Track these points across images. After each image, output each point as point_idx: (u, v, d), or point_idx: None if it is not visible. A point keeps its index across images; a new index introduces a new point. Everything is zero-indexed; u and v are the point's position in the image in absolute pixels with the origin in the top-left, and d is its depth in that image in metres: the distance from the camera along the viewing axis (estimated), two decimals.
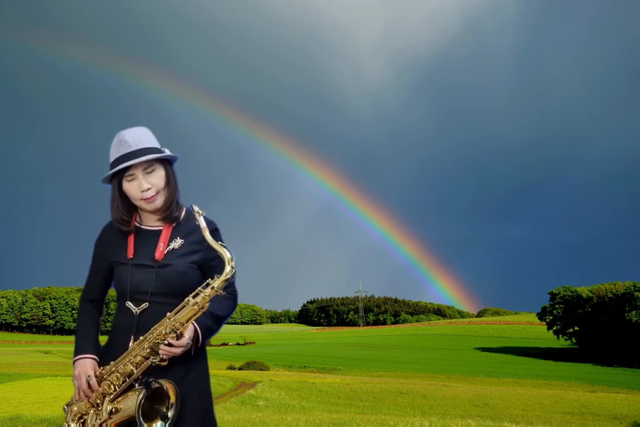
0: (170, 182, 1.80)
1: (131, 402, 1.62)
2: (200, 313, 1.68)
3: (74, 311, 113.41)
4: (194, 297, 1.67)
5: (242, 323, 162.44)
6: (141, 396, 1.60)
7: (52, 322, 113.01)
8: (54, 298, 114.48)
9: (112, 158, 1.76)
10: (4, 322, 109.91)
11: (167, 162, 1.81)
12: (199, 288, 1.69)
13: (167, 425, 1.64)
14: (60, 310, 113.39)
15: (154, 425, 1.63)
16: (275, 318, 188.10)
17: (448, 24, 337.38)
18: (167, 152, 1.79)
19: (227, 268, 1.69)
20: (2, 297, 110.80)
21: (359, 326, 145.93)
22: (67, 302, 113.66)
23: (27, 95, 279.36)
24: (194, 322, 1.69)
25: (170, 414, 1.64)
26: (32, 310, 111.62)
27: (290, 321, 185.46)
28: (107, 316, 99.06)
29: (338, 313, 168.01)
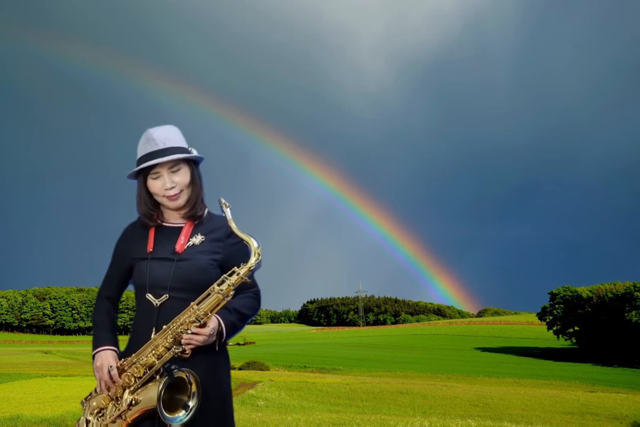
0: (195, 181, 1.83)
1: (151, 394, 1.60)
2: (224, 302, 1.68)
3: (73, 311, 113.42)
4: (219, 284, 1.68)
5: None
6: (162, 384, 1.58)
7: (52, 322, 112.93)
8: (54, 298, 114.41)
9: (139, 155, 1.79)
10: (4, 322, 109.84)
11: (192, 162, 1.84)
12: (224, 275, 1.70)
13: (189, 415, 1.62)
14: (60, 310, 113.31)
15: (175, 415, 1.61)
16: (275, 318, 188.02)
17: (448, 24, 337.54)
18: (194, 152, 1.82)
19: (253, 257, 1.72)
20: (2, 297, 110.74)
21: (359, 326, 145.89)
22: (67, 302, 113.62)
23: (27, 95, 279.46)
24: (217, 316, 1.70)
25: (191, 403, 1.62)
26: (32, 310, 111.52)
27: (290, 321, 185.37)
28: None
29: (338, 313, 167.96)
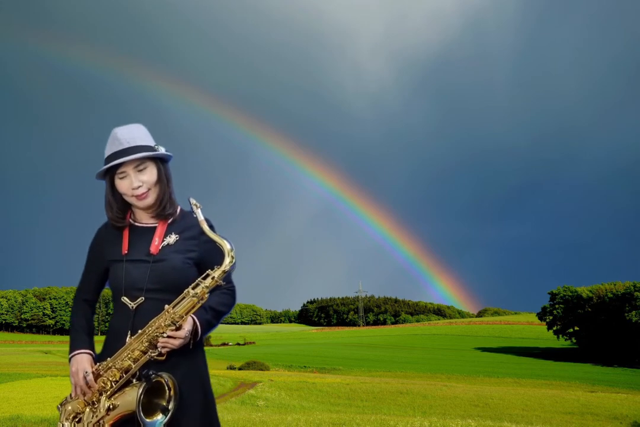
0: (162, 179, 1.80)
1: (129, 398, 1.60)
2: (199, 305, 1.68)
3: None
4: (193, 288, 1.68)
5: (242, 323, 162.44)
6: (141, 389, 1.58)
7: (52, 322, 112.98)
8: (54, 298, 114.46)
9: (105, 155, 1.78)
10: (4, 322, 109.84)
11: (160, 160, 1.81)
12: (198, 279, 1.70)
13: (167, 418, 1.62)
14: (60, 310, 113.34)
15: (154, 419, 1.61)
16: (275, 318, 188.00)
17: (448, 24, 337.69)
18: (161, 150, 1.79)
19: (227, 259, 1.71)
20: (2, 297, 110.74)
21: (359, 326, 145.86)
22: (67, 302, 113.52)
23: (27, 95, 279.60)
24: (192, 315, 1.69)
25: (169, 406, 1.62)
26: (32, 310, 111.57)
27: (290, 321, 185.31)
28: (107, 316, 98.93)
29: (338, 313, 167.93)
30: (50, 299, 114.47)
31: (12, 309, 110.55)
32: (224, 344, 72.99)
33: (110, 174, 1.78)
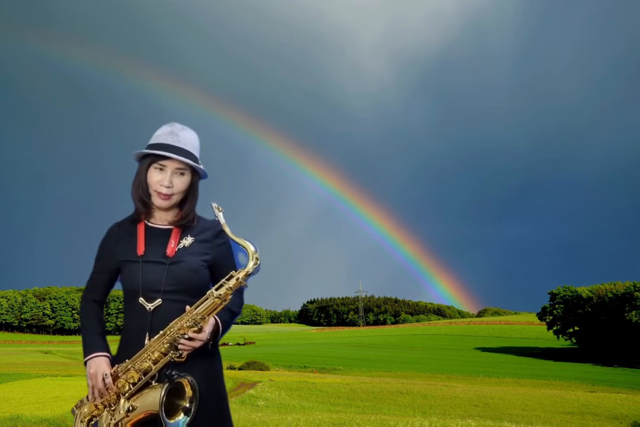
0: (193, 192, 1.82)
1: (150, 399, 1.60)
2: (222, 306, 1.67)
3: (74, 311, 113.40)
4: (217, 289, 1.67)
5: (242, 323, 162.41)
6: (164, 391, 1.58)
7: (52, 322, 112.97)
8: (54, 298, 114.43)
9: (154, 141, 1.77)
10: (4, 322, 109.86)
11: (197, 175, 1.83)
12: (222, 280, 1.69)
13: (188, 418, 1.63)
14: (60, 310, 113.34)
15: (175, 419, 1.62)
16: (275, 318, 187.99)
17: (448, 24, 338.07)
18: (201, 166, 1.82)
19: (251, 262, 1.71)
20: (2, 297, 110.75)
21: (359, 326, 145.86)
22: (67, 302, 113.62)
23: (27, 95, 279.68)
24: (215, 316, 1.69)
25: (190, 407, 1.63)
26: (32, 310, 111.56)
27: (290, 321, 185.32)
28: (106, 316, 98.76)
29: (338, 313, 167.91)
30: (50, 299, 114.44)
31: (12, 309, 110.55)
32: (224, 344, 72.92)
33: (149, 160, 1.76)
